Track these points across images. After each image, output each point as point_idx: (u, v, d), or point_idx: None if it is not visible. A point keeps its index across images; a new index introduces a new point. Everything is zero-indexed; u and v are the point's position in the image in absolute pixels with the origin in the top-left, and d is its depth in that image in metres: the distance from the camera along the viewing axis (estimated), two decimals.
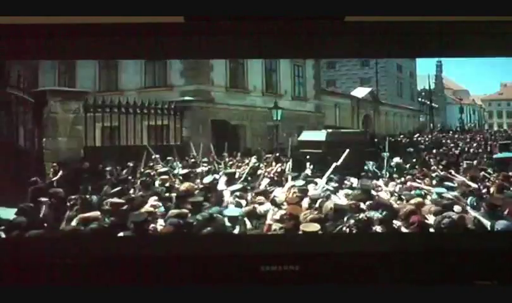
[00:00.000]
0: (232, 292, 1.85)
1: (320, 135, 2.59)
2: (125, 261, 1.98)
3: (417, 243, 2.04)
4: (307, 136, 2.59)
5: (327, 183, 2.31)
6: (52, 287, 1.85)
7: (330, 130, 2.64)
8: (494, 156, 2.60)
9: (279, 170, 2.49)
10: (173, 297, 1.85)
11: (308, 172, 2.44)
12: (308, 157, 2.49)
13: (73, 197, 2.18)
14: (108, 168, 2.41)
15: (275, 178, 2.45)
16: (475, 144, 2.88)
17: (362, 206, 2.16)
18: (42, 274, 1.92)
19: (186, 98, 2.66)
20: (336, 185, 2.34)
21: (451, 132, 3.06)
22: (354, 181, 2.37)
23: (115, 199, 2.20)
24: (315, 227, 2.04)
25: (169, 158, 2.54)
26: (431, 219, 2.07)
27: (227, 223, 2.11)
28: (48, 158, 2.37)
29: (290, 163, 2.49)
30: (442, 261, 1.96)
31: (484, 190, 2.28)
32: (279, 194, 2.29)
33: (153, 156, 2.46)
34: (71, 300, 1.83)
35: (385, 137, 2.75)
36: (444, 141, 2.95)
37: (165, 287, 1.88)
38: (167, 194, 2.33)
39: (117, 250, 2.03)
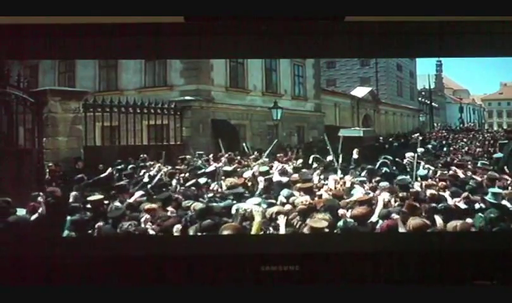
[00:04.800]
0: (233, 292, 1.85)
1: (357, 132, 2.77)
2: (125, 261, 1.98)
3: (417, 244, 2.04)
4: (345, 132, 2.70)
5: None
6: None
7: (364, 129, 2.86)
8: (494, 155, 2.60)
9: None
10: (173, 296, 1.85)
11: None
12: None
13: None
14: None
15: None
16: (478, 143, 2.89)
17: None
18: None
19: (186, 97, 2.66)
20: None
21: (444, 131, 3.06)
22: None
23: (95, 196, 2.20)
24: (323, 224, 2.07)
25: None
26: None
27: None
28: (49, 158, 2.37)
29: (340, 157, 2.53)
30: (442, 261, 1.97)
31: None
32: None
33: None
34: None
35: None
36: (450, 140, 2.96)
37: (166, 287, 1.89)
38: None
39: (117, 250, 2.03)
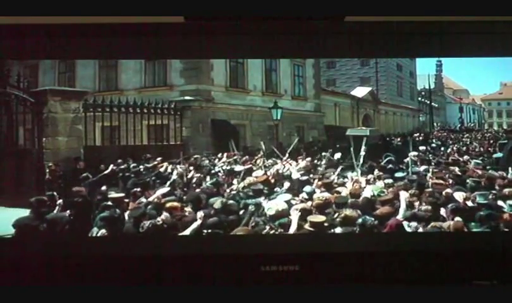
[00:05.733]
0: (232, 292, 1.85)
1: (364, 131, 2.78)
2: (125, 261, 1.98)
3: (417, 244, 2.04)
4: (353, 132, 2.74)
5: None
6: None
7: (370, 128, 2.86)
8: (494, 155, 2.61)
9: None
10: (173, 297, 1.85)
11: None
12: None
13: None
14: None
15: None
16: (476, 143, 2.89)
17: None
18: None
19: (186, 97, 2.66)
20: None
21: (444, 131, 3.07)
22: None
23: (115, 194, 2.21)
24: (321, 218, 2.08)
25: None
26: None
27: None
28: (49, 158, 2.37)
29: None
30: (442, 261, 1.97)
31: None
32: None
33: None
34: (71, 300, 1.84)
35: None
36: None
37: (165, 287, 1.89)
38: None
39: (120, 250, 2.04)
